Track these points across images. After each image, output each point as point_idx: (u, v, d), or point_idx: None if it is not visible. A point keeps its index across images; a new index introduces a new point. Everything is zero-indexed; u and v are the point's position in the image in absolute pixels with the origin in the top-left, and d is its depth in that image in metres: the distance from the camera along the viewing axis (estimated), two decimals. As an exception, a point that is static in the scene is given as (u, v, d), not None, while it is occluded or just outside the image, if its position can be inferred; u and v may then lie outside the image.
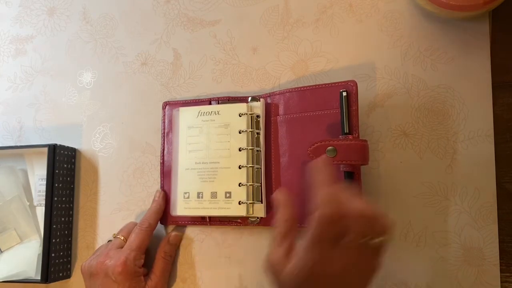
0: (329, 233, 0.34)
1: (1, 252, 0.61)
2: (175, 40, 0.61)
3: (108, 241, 0.55)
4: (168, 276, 0.54)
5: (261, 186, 0.51)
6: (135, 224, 0.54)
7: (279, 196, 0.42)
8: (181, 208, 0.53)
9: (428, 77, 0.50)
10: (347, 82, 0.48)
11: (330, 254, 0.34)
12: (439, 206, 0.48)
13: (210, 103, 0.55)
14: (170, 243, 0.54)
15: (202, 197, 0.52)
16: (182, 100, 0.57)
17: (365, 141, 0.45)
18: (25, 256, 0.59)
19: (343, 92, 0.47)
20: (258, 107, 0.53)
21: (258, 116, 0.52)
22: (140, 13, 0.64)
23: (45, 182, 0.58)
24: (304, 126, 0.50)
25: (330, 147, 0.44)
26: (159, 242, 0.55)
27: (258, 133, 0.52)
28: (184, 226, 0.56)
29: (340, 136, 0.46)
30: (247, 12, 0.58)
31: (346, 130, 0.46)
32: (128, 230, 0.54)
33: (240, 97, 0.55)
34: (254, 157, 0.51)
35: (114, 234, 0.55)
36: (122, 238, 0.53)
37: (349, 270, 0.35)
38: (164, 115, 0.58)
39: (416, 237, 0.48)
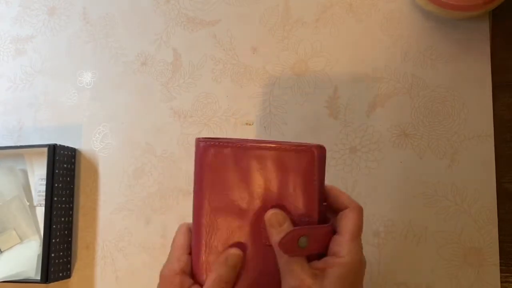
0: None
1: (1, 252, 0.61)
2: (175, 40, 0.61)
3: None
4: None
5: None
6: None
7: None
8: None
9: (428, 77, 0.50)
10: (310, 147, 0.37)
11: None
12: (439, 206, 0.48)
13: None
14: (227, 264, 0.38)
15: None
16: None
17: (330, 226, 0.37)
18: (25, 256, 0.59)
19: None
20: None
21: None
22: (140, 13, 0.64)
23: (45, 182, 0.58)
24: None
25: (303, 238, 0.36)
26: None
27: None
28: None
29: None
30: (247, 12, 0.58)
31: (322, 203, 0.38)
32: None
33: None
34: None
35: None
36: None
37: None
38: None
39: (416, 237, 0.48)
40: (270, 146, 0.38)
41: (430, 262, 0.47)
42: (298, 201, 0.37)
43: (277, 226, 0.36)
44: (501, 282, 0.45)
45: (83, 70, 0.65)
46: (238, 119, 0.57)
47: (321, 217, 0.38)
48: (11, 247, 0.61)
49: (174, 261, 0.39)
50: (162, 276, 0.39)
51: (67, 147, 0.62)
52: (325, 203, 0.39)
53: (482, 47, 0.49)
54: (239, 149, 0.38)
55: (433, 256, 0.47)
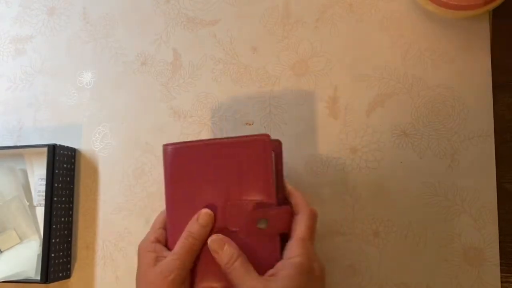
0: None
1: (1, 252, 0.61)
2: (174, 40, 0.61)
3: None
4: (191, 260, 0.42)
5: None
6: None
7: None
8: None
9: (428, 77, 0.50)
10: (263, 137, 0.42)
11: None
12: (439, 206, 0.48)
13: None
14: (198, 222, 0.43)
15: None
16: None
17: (289, 206, 0.42)
18: (25, 256, 0.59)
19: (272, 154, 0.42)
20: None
21: None
22: (140, 13, 0.64)
23: (45, 182, 0.58)
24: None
25: (263, 219, 0.40)
26: None
27: None
28: None
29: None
30: (247, 12, 0.58)
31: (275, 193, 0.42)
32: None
33: None
34: None
35: None
36: None
37: None
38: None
39: (416, 237, 0.48)
40: (222, 142, 0.43)
41: (430, 262, 0.47)
42: (255, 188, 0.41)
43: (219, 251, 0.40)
44: (501, 282, 0.45)
45: (83, 70, 0.65)
46: (238, 119, 0.57)
47: (280, 200, 0.42)
48: (11, 247, 0.61)
49: (150, 233, 0.45)
50: (139, 246, 0.44)
51: (67, 147, 0.62)
52: (281, 195, 0.43)
53: (482, 47, 0.49)
54: (197, 149, 0.44)
55: (433, 256, 0.47)
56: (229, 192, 0.42)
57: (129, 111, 0.62)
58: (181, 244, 0.42)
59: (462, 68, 0.49)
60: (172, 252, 0.42)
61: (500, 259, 0.45)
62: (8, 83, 0.69)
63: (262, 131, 0.55)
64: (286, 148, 0.53)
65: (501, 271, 0.45)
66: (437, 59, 0.50)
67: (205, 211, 0.42)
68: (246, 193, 0.42)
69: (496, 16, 0.49)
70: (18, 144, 0.66)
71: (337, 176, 0.52)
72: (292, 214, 0.42)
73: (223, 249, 0.40)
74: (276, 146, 0.45)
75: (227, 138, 0.44)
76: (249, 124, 0.56)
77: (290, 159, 0.53)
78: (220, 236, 0.41)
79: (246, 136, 0.43)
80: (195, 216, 0.43)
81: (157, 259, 0.42)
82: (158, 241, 0.44)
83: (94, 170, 0.62)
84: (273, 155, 0.43)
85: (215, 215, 0.42)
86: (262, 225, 0.40)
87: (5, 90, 0.69)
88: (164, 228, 0.45)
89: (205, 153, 0.43)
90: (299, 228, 0.41)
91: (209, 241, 0.41)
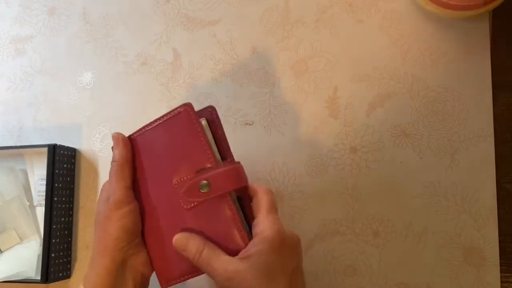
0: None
1: (1, 252, 0.61)
2: (174, 40, 0.61)
3: None
4: (124, 180, 0.44)
5: None
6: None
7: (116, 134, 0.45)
8: None
9: (428, 77, 0.50)
10: (184, 108, 0.42)
11: None
12: (439, 206, 0.48)
13: None
14: (115, 148, 0.45)
15: None
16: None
17: (238, 163, 0.42)
18: (25, 256, 0.59)
19: (202, 121, 0.42)
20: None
21: None
22: (140, 13, 0.64)
23: (45, 182, 0.58)
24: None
25: (204, 182, 0.40)
26: None
27: None
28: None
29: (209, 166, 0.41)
30: (247, 12, 0.58)
31: (219, 158, 0.42)
32: None
33: None
34: None
35: None
36: None
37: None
38: None
39: (416, 237, 0.48)
40: (152, 127, 0.44)
41: (430, 262, 0.47)
42: (194, 158, 0.41)
43: (184, 248, 0.40)
44: (501, 282, 0.45)
45: (83, 70, 0.65)
46: (238, 119, 0.57)
47: (224, 153, 0.42)
48: (11, 247, 0.61)
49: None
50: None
51: (67, 147, 0.62)
52: (229, 159, 0.43)
53: (482, 47, 0.49)
54: (138, 139, 0.45)
55: (433, 256, 0.47)
56: (174, 172, 0.42)
57: (129, 111, 0.62)
58: (109, 173, 0.44)
59: (462, 68, 0.49)
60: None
61: (500, 259, 0.45)
62: (8, 83, 0.69)
63: (262, 131, 0.55)
64: (286, 148, 0.53)
65: (501, 271, 0.45)
66: (437, 59, 0.50)
67: (115, 134, 0.45)
68: (188, 168, 0.41)
69: (496, 16, 0.49)
70: (18, 144, 0.66)
71: (337, 176, 0.52)
72: (238, 171, 0.41)
73: (188, 244, 0.40)
74: (210, 113, 0.44)
75: (155, 120, 0.44)
76: (249, 124, 0.56)
77: (290, 159, 0.53)
78: (181, 234, 0.41)
79: (169, 112, 0.43)
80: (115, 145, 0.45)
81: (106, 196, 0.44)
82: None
83: (94, 170, 0.62)
84: (204, 121, 0.42)
85: (168, 199, 0.42)
86: (204, 189, 0.40)
87: (5, 90, 0.69)
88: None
89: (143, 141, 0.45)
90: (261, 205, 0.41)
91: (173, 241, 0.41)
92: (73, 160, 0.62)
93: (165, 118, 0.43)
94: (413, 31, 0.51)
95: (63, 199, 0.60)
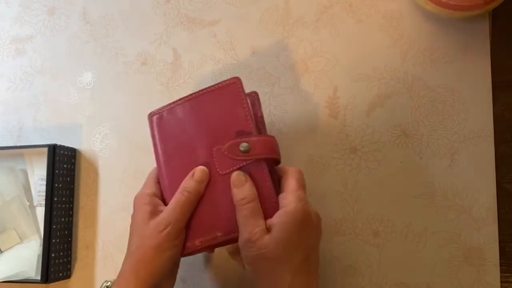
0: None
1: (1, 252, 0.61)
2: (174, 40, 0.61)
3: None
4: (187, 214, 0.43)
5: None
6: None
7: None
8: None
9: (428, 77, 0.50)
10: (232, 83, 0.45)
11: None
12: (439, 206, 0.48)
13: None
14: (193, 178, 0.44)
15: None
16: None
17: (273, 137, 0.45)
18: (25, 256, 0.59)
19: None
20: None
21: None
22: (140, 13, 0.64)
23: (45, 182, 0.58)
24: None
25: (244, 143, 0.43)
26: None
27: None
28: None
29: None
30: (247, 12, 0.58)
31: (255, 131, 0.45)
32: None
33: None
34: None
35: None
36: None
37: None
38: None
39: (416, 237, 0.48)
40: (198, 95, 0.46)
41: (430, 262, 0.47)
42: (235, 124, 0.44)
43: (239, 186, 0.41)
44: (501, 282, 0.45)
45: (83, 70, 0.65)
46: (238, 119, 0.56)
47: (260, 131, 0.46)
48: (11, 247, 0.61)
49: (146, 187, 0.46)
50: (135, 198, 0.45)
51: (67, 147, 0.62)
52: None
53: (482, 47, 0.49)
54: (178, 109, 0.47)
55: (433, 256, 0.47)
56: (215, 139, 0.44)
57: (129, 111, 0.62)
58: (176, 199, 0.43)
59: (462, 68, 0.49)
60: (168, 206, 0.43)
61: (500, 259, 0.45)
62: (8, 83, 0.69)
63: (262, 131, 0.55)
64: (286, 148, 0.53)
65: (501, 271, 0.45)
66: (437, 59, 0.50)
67: (200, 168, 0.44)
68: (228, 134, 0.44)
69: (496, 16, 0.49)
70: (18, 144, 0.66)
71: (337, 176, 0.52)
72: (275, 144, 0.44)
73: (245, 186, 0.41)
74: (253, 97, 0.48)
75: (201, 90, 0.46)
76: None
77: (290, 159, 0.53)
78: (243, 173, 0.42)
79: (218, 83, 0.46)
80: (191, 173, 0.44)
81: (152, 213, 0.43)
82: (154, 195, 0.45)
83: (94, 170, 0.62)
84: (247, 99, 0.45)
85: (205, 164, 0.44)
86: (244, 149, 0.42)
87: (5, 90, 0.69)
88: (158, 182, 0.47)
89: (185, 110, 0.46)
90: (290, 182, 0.42)
91: (234, 174, 0.42)
92: (73, 160, 0.62)
93: (210, 88, 0.46)
94: (413, 31, 0.51)
95: (63, 199, 0.60)
